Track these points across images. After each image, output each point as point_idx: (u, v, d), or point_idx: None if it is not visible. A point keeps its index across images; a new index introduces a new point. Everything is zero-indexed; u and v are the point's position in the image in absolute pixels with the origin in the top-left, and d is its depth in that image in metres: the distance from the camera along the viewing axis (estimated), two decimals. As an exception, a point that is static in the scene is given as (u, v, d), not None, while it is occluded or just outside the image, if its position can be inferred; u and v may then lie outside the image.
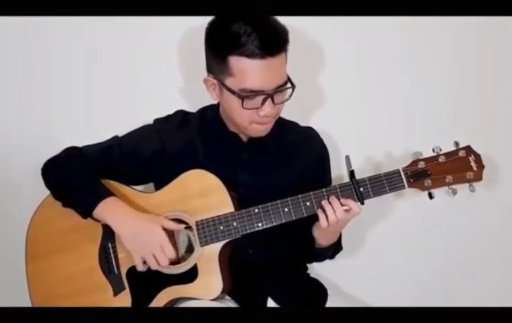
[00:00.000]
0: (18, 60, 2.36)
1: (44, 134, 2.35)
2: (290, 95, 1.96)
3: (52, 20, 2.29)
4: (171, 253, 1.95)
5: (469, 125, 2.37)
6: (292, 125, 2.20)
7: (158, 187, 2.08)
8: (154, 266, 1.95)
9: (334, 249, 2.12)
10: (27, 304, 2.07)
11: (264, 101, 1.90)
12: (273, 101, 1.91)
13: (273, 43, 1.86)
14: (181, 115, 2.16)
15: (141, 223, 1.97)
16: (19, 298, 2.11)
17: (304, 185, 1.98)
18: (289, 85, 1.94)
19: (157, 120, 2.16)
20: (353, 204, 1.91)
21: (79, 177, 2.03)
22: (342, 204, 1.91)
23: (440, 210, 2.29)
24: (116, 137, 2.15)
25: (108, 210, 1.98)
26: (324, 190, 1.94)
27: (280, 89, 1.91)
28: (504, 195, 2.44)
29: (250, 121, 1.96)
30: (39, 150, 2.19)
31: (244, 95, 1.89)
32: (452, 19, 2.33)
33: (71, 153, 2.11)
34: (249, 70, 1.86)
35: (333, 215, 1.90)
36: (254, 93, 1.89)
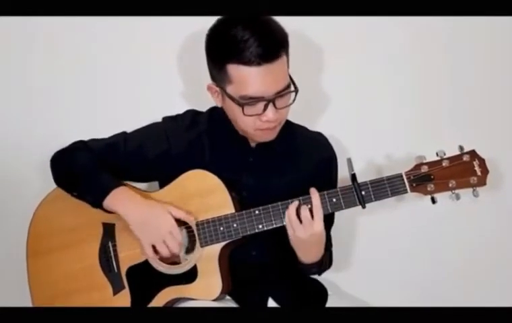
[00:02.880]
0: (19, 60, 2.30)
1: (44, 134, 2.29)
2: (294, 99, 1.89)
3: (52, 20, 2.23)
4: (180, 238, 1.90)
5: (474, 129, 2.28)
6: (301, 130, 2.12)
7: (163, 186, 2.02)
8: (165, 253, 1.90)
9: (316, 268, 1.99)
10: (28, 304, 2.04)
11: (266, 107, 1.84)
12: (275, 106, 1.84)
13: (270, 49, 1.80)
14: (191, 115, 2.08)
15: (150, 210, 1.92)
16: (20, 298, 2.08)
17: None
18: (291, 88, 1.87)
19: (166, 119, 2.09)
20: (313, 192, 1.85)
21: (89, 168, 1.99)
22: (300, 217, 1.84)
23: (443, 214, 2.21)
24: (123, 133, 2.09)
25: (118, 199, 1.93)
26: (325, 192, 1.87)
27: (281, 93, 1.85)
28: (508, 200, 2.36)
29: (255, 127, 1.89)
30: (39, 149, 2.17)
31: (244, 102, 1.83)
32: (457, 19, 2.26)
33: (79, 147, 2.06)
34: (247, 78, 1.80)
35: (294, 219, 1.85)
36: (255, 99, 1.83)
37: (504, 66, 2.33)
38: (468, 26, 2.28)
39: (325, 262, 2.02)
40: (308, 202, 1.85)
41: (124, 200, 1.93)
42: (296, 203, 1.86)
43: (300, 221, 1.84)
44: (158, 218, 1.90)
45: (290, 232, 1.86)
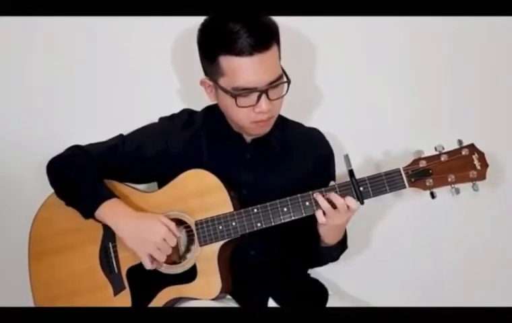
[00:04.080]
0: (19, 60, 2.28)
1: (45, 134, 2.28)
2: (287, 91, 1.87)
3: (52, 20, 2.21)
4: (174, 242, 1.87)
5: (473, 123, 2.25)
6: (297, 126, 2.10)
7: (161, 186, 1.99)
8: (162, 259, 1.87)
9: (340, 248, 2.01)
10: (29, 304, 2.01)
11: (259, 97, 1.81)
12: (268, 97, 1.82)
13: (261, 39, 1.78)
14: (186, 115, 2.06)
15: (141, 221, 1.89)
16: (20, 298, 2.05)
17: (308, 186, 1.88)
18: (284, 79, 1.85)
19: (162, 119, 2.07)
20: (349, 200, 1.80)
21: (81, 178, 1.95)
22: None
23: (443, 209, 2.18)
24: (120, 136, 2.06)
25: (108, 212, 1.90)
26: (323, 189, 1.84)
27: (274, 84, 1.83)
28: (509, 194, 2.31)
29: (249, 120, 1.86)
30: (39, 149, 2.14)
31: (237, 93, 1.81)
32: (455, 18, 2.23)
33: (74, 153, 2.03)
34: (239, 69, 1.78)
35: (329, 209, 1.80)
36: (247, 90, 1.80)
37: (504, 64, 2.31)
38: (466, 25, 2.26)
39: (345, 241, 2.02)
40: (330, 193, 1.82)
41: (114, 213, 1.90)
42: (320, 195, 1.81)
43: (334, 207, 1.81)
44: (150, 228, 1.87)
45: (326, 221, 1.81)
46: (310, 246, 1.99)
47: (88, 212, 1.91)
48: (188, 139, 2.00)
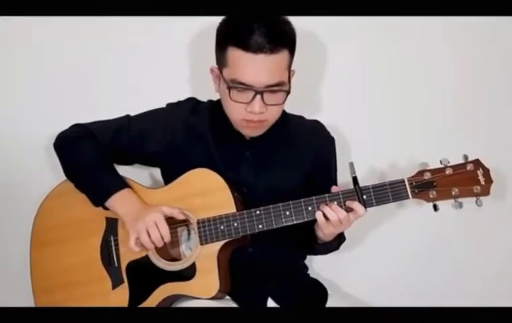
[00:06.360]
0: (18, 60, 2.24)
1: (45, 134, 2.22)
2: (284, 100, 1.85)
3: (53, 20, 2.18)
4: (164, 230, 1.84)
5: (480, 138, 2.22)
6: (297, 120, 2.07)
7: (163, 173, 2.04)
8: (146, 242, 1.84)
9: (337, 241, 2.00)
10: (28, 304, 2.01)
11: (253, 97, 1.80)
12: (263, 99, 1.80)
13: (272, 41, 1.76)
14: (193, 103, 2.05)
15: (145, 207, 1.90)
16: (20, 298, 2.07)
17: (309, 182, 1.92)
18: (284, 87, 1.83)
19: (169, 105, 2.06)
20: (357, 206, 1.79)
21: (92, 165, 1.96)
22: (347, 210, 1.80)
23: (443, 212, 2.08)
24: (127, 116, 2.05)
25: (119, 202, 1.92)
26: (326, 195, 1.83)
27: (271, 88, 1.80)
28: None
29: (240, 116, 1.86)
30: (41, 148, 2.18)
31: (233, 85, 1.81)
32: (467, 21, 2.19)
33: (81, 135, 2.00)
34: (241, 63, 1.78)
35: (334, 216, 1.79)
36: (243, 86, 1.80)
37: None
38: (477, 30, 2.23)
39: (343, 234, 2.00)
40: (333, 200, 1.81)
41: (124, 204, 1.91)
42: (326, 207, 1.80)
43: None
44: (147, 211, 1.86)
45: (329, 229, 1.82)
46: (306, 242, 1.99)
47: (99, 201, 1.93)
48: (192, 128, 1.99)
